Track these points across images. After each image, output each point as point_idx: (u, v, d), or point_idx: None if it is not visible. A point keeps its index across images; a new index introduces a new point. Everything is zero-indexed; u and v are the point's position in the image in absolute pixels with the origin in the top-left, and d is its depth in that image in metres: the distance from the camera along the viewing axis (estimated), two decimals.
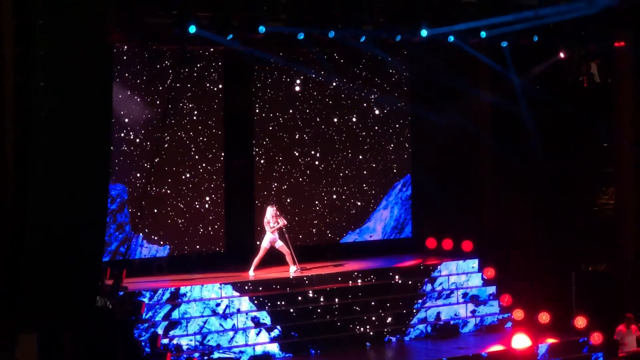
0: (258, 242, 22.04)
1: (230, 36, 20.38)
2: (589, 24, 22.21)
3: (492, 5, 21.19)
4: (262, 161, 23.51)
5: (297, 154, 23.99)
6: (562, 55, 23.45)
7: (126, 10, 18.05)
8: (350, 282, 21.84)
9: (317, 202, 24.18)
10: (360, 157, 24.73)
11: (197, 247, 22.69)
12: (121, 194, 21.28)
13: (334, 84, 24.33)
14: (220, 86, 23.02)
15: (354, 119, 24.67)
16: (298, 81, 24.01)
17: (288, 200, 23.49)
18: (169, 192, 22.34)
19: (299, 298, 21.00)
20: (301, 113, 24.06)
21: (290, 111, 23.95)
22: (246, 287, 20.63)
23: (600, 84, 23.43)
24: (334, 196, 24.43)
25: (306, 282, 21.37)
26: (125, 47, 21.28)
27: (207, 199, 22.81)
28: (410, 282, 22.23)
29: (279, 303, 20.66)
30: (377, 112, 24.98)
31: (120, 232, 21.35)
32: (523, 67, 23.84)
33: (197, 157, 22.62)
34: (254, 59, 22.71)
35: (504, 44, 22.97)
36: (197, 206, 22.67)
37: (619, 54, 23.00)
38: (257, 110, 23.55)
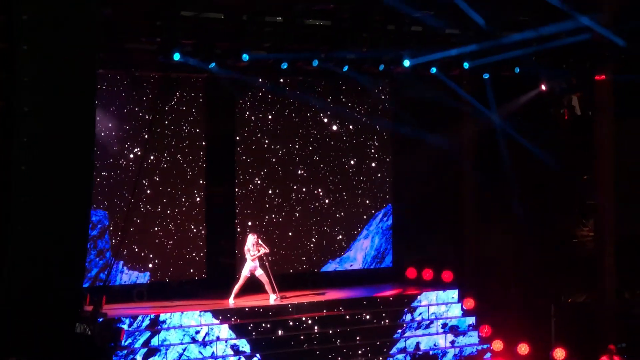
0: (238, 273, 21.93)
1: (213, 64, 20.45)
2: (569, 56, 22.35)
3: (475, 36, 21.26)
4: (243, 189, 23.52)
5: (278, 182, 24.03)
6: (543, 87, 23.54)
7: (109, 36, 18.03)
8: (330, 311, 21.82)
9: (297, 231, 24.21)
10: (342, 186, 24.82)
11: (178, 274, 22.64)
12: (102, 220, 21.28)
13: (317, 113, 24.39)
14: (203, 113, 23.08)
15: (336, 148, 24.71)
16: (281, 110, 24.01)
17: (269, 229, 23.44)
18: (150, 219, 22.30)
19: (279, 326, 20.97)
20: (283, 142, 24.12)
21: (273, 140, 23.96)
22: (226, 315, 20.60)
23: (580, 116, 23.50)
24: (315, 225, 24.48)
25: (287, 311, 21.36)
26: (109, 74, 21.18)
27: (189, 226, 22.82)
28: (390, 312, 22.23)
29: (258, 331, 20.63)
30: (360, 140, 25.00)
31: (101, 258, 21.34)
32: (505, 100, 23.96)
33: (178, 184, 22.68)
34: (237, 87, 22.72)
35: (486, 75, 23.12)
36: (179, 233, 22.68)
37: (599, 87, 23.08)
38: (240, 138, 23.59)
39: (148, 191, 22.25)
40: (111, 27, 17.80)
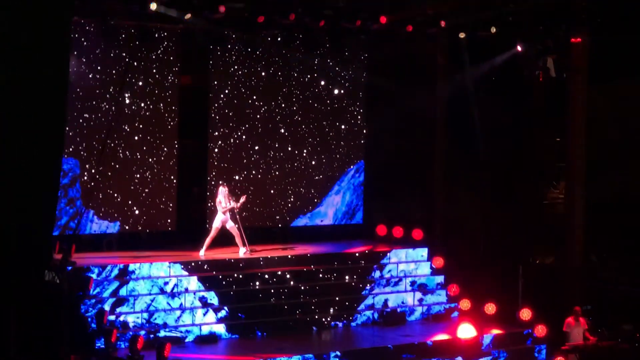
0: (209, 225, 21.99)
1: (189, 15, 20.36)
2: (546, 19, 22.35)
3: None
4: (216, 142, 23.48)
5: (251, 135, 23.99)
6: (519, 49, 23.57)
7: None
8: (299, 266, 21.87)
9: (269, 184, 24.23)
10: (315, 141, 24.82)
11: (149, 224, 22.67)
12: (73, 169, 21.21)
13: (292, 67, 24.33)
14: (177, 65, 22.97)
15: (310, 102, 24.73)
16: (255, 64, 23.92)
17: (240, 181, 23.46)
18: (121, 168, 22.25)
19: (248, 280, 21.02)
20: (257, 96, 24.05)
21: (247, 93, 23.94)
22: (196, 267, 20.67)
23: (555, 78, 23.55)
24: (287, 179, 24.50)
25: (257, 264, 21.45)
26: (82, 20, 21.00)
27: (160, 176, 22.78)
28: (359, 269, 22.32)
29: (227, 284, 20.67)
30: (334, 94, 25.02)
31: (71, 207, 21.29)
32: (480, 61, 24.00)
33: (150, 135, 22.59)
34: (212, 40, 22.64)
35: (463, 37, 23.14)
36: (150, 184, 22.64)
37: (575, 50, 23.12)
38: (213, 92, 23.50)
39: (119, 141, 22.14)
40: None
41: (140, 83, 22.49)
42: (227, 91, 23.61)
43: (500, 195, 24.49)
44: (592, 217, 23.43)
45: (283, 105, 24.40)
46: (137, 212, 22.49)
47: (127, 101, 22.27)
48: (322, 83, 24.86)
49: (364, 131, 25.46)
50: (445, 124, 24.90)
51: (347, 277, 22.05)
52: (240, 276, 20.96)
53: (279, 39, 23.57)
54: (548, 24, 22.82)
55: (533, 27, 23.06)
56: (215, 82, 23.56)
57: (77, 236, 21.00)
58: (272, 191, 24.25)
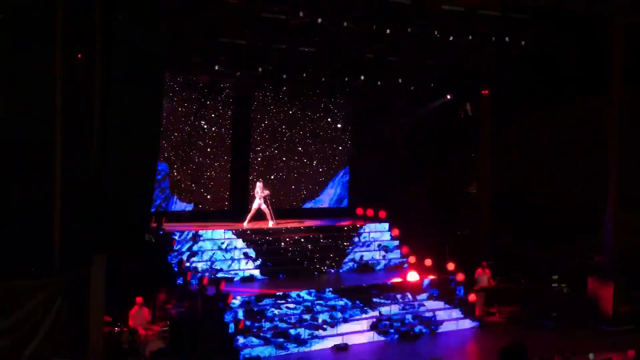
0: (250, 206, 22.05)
1: (239, 72, 20.62)
2: (465, 78, 22.53)
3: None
4: (256, 154, 23.71)
5: (279, 151, 24.09)
6: (448, 97, 23.77)
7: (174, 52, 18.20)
8: (307, 233, 21.90)
9: (289, 182, 24.33)
10: (319, 155, 24.93)
11: (211, 205, 22.85)
12: (165, 169, 21.48)
13: (306, 107, 24.62)
14: (232, 104, 23.18)
15: (317, 131, 24.86)
16: (282, 104, 24.12)
17: (272, 180, 23.55)
18: (195, 169, 22.56)
19: (274, 241, 21.13)
20: (283, 125, 24.18)
21: (276, 123, 24.05)
22: (241, 233, 20.75)
23: (472, 115, 23.73)
24: (301, 178, 24.62)
25: (280, 231, 21.47)
26: (173, 75, 21.39)
27: (220, 175, 23.02)
28: (344, 236, 22.37)
29: (260, 244, 20.80)
30: (332, 126, 25.14)
31: (162, 193, 21.48)
32: (425, 104, 24.25)
33: (214, 148, 22.90)
34: (254, 88, 22.86)
35: (412, 88, 23.38)
36: (213, 180, 22.89)
37: (484, 99, 23.41)
38: (255, 122, 23.67)
39: (196, 151, 22.46)
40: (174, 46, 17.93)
41: (209, 114, 22.68)
42: (264, 122, 23.79)
43: (435, 190, 24.64)
44: (494, 204, 23.65)
45: (300, 132, 24.51)
46: (205, 197, 22.71)
47: (202, 126, 22.47)
48: (328, 120, 25.06)
49: (349, 150, 25.48)
50: (402, 145, 24.95)
51: (337, 241, 22.08)
52: (270, 239, 21.04)
53: (295, 88, 23.83)
54: (466, 81, 22.99)
55: (458, 83, 23.24)
56: (259, 116, 23.73)
57: (166, 212, 21.24)
58: (292, 186, 24.36)
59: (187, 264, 19.12)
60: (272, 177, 23.68)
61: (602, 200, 20.52)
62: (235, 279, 19.58)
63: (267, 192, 21.68)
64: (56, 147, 13.51)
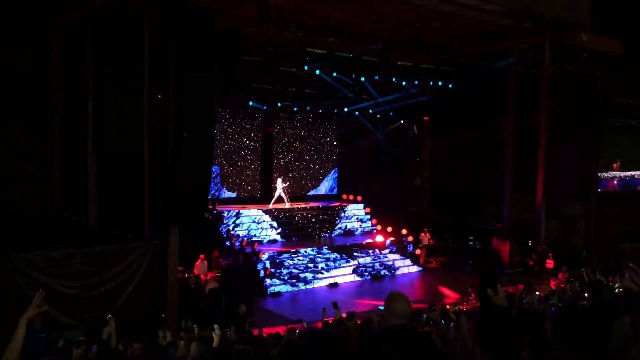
0: (274, 193, 21.95)
1: (265, 107, 20.53)
2: (411, 108, 22.39)
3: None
4: (278, 160, 23.41)
5: (293, 158, 23.81)
6: (402, 121, 23.70)
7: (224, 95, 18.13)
8: (311, 211, 21.84)
9: (300, 178, 24.04)
10: (319, 160, 24.62)
11: (248, 193, 22.56)
12: (216, 170, 21.29)
13: (311, 129, 24.31)
14: (261, 127, 22.87)
15: (317, 145, 24.53)
16: (295, 126, 23.86)
17: (288, 176, 23.30)
18: (238, 170, 22.29)
19: (290, 216, 21.09)
20: (296, 141, 23.91)
21: (292, 139, 23.74)
22: (269, 211, 20.71)
23: (417, 134, 23.66)
24: (307, 176, 24.34)
25: (293, 210, 21.43)
26: (220, 109, 21.16)
27: (255, 174, 22.73)
28: (335, 212, 22.31)
29: (280, 218, 20.74)
30: (327, 140, 24.80)
31: (215, 186, 21.31)
32: (386, 126, 24.10)
33: (249, 156, 22.60)
34: (274, 116, 22.74)
35: (378, 116, 23.26)
36: (249, 177, 22.61)
37: (425, 122, 23.27)
38: (277, 137, 23.37)
39: (238, 159, 22.21)
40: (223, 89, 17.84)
41: (247, 134, 22.41)
42: (282, 139, 23.56)
43: (395, 182, 24.58)
44: (433, 190, 23.61)
45: (308, 145, 24.20)
46: (244, 187, 22.43)
47: (244, 143, 22.25)
48: (324, 137, 24.74)
49: (337, 157, 25.15)
50: (372, 154, 24.91)
51: (330, 215, 22.03)
52: (287, 214, 21.04)
53: (302, 117, 23.56)
54: (414, 111, 22.87)
55: (408, 112, 23.01)
56: (279, 135, 23.44)
57: (218, 198, 21.14)
58: (302, 181, 24.09)
59: (232, 232, 19.18)
60: (289, 175, 23.51)
61: (501, 186, 20.52)
62: (264, 241, 19.55)
63: (284, 185, 21.66)
64: (145, 156, 13.45)
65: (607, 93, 21.43)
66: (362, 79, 18.41)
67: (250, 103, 20.07)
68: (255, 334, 9.86)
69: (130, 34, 12.37)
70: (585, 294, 9.81)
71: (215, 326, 8.34)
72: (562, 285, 13.72)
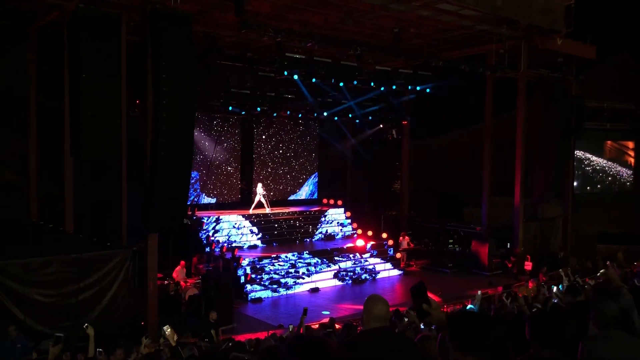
0: (253, 199, 21.81)
1: (244, 112, 20.43)
2: (390, 112, 22.50)
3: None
4: (259, 165, 23.20)
5: (274, 163, 23.67)
6: (381, 125, 23.77)
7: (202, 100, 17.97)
8: (291, 216, 21.75)
9: (280, 183, 23.94)
10: (300, 166, 24.53)
11: (228, 198, 22.38)
12: (195, 176, 20.96)
13: (293, 135, 24.19)
14: (240, 133, 22.72)
15: (299, 150, 24.43)
16: (276, 133, 23.72)
17: (267, 182, 23.26)
18: (218, 175, 22.10)
19: (270, 222, 20.94)
20: (277, 147, 23.74)
21: (271, 146, 23.58)
22: (248, 216, 20.53)
23: (396, 138, 23.76)
24: (286, 181, 24.22)
25: (273, 215, 21.28)
26: (198, 114, 20.91)
27: (233, 179, 22.53)
28: (315, 216, 22.24)
29: (261, 223, 20.62)
30: (306, 147, 24.75)
31: (195, 192, 21.07)
32: (366, 131, 24.20)
33: (230, 162, 22.41)
34: (254, 121, 22.64)
35: (357, 120, 23.32)
36: (228, 182, 22.42)
37: (404, 126, 23.37)
38: (257, 144, 23.16)
39: (216, 165, 22.08)
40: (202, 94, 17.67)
41: (226, 140, 22.28)
42: (262, 144, 23.39)
43: (375, 185, 24.72)
44: (412, 194, 23.73)
45: (288, 152, 24.06)
46: (223, 193, 22.25)
47: (220, 148, 22.08)
48: (304, 141, 24.61)
49: (317, 162, 25.05)
50: (352, 158, 24.93)
51: (311, 220, 21.94)
52: (267, 219, 20.86)
53: (281, 121, 23.49)
54: (393, 115, 22.95)
55: (387, 117, 23.17)
56: (259, 141, 23.24)
57: (197, 204, 20.96)
58: (280, 187, 23.94)
59: (212, 238, 18.99)
60: (269, 180, 23.40)
61: (479, 190, 20.72)
62: (244, 247, 19.39)
63: (264, 190, 21.52)
64: (122, 162, 13.30)
65: (582, 97, 21.83)
66: (341, 84, 18.42)
67: (230, 108, 19.96)
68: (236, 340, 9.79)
69: (106, 38, 12.13)
70: (563, 295, 9.93)
71: (164, 327, 8.04)
72: (541, 286, 13.88)
